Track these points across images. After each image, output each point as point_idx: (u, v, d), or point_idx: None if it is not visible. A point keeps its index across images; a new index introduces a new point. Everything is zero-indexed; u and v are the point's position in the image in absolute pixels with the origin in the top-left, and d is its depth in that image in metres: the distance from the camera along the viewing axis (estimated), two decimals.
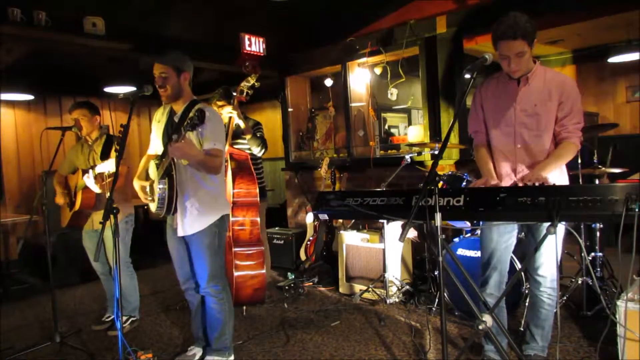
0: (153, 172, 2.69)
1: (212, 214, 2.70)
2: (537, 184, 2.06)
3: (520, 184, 2.25)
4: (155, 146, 2.83)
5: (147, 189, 2.72)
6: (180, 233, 2.66)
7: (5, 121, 5.87)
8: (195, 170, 2.62)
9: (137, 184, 2.76)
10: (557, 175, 2.34)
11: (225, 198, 2.89)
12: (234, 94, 3.79)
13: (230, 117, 3.80)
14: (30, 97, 5.90)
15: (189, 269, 2.81)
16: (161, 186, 2.57)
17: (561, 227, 2.32)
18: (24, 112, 6.07)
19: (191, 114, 2.40)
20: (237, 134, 3.93)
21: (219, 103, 3.85)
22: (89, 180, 3.31)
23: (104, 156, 3.37)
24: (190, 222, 2.64)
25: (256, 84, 3.77)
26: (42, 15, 3.83)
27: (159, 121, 2.80)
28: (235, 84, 3.93)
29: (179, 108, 2.69)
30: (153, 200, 2.67)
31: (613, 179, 3.49)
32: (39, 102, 6.18)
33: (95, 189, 3.33)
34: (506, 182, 2.43)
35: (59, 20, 3.95)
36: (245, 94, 3.75)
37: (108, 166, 3.23)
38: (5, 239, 5.80)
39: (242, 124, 3.86)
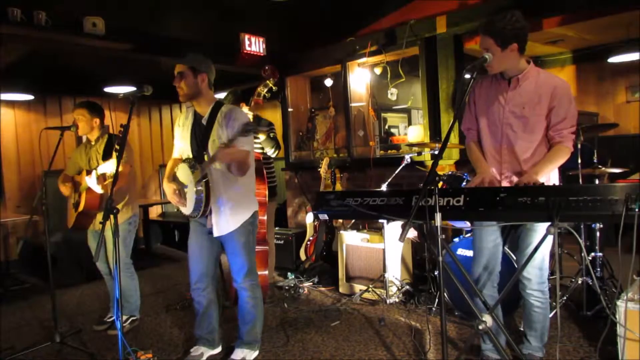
0: (184, 175, 2.70)
1: (244, 212, 2.78)
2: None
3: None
4: (180, 150, 2.86)
5: (178, 193, 2.74)
6: (216, 233, 2.71)
7: (5, 121, 5.87)
8: (225, 171, 2.68)
9: (169, 187, 2.77)
10: (547, 178, 2.33)
11: (254, 195, 2.94)
12: (254, 96, 3.87)
13: None
14: (30, 97, 5.90)
15: (207, 268, 2.85)
16: (199, 188, 2.61)
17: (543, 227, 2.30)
18: (24, 112, 6.07)
19: (227, 100, 2.45)
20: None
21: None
22: (90, 181, 3.30)
23: (106, 156, 3.36)
24: (225, 222, 2.71)
25: (274, 87, 3.86)
26: (42, 15, 3.83)
27: (183, 125, 2.83)
28: (235, 84, 3.96)
29: (204, 110, 2.74)
30: (183, 203, 2.71)
31: (613, 179, 3.50)
32: (39, 102, 6.18)
33: (98, 189, 3.32)
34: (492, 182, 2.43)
35: (59, 20, 3.94)
36: (262, 96, 3.84)
37: (110, 166, 3.21)
38: (5, 239, 5.80)
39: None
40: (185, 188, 2.70)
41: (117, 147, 2.47)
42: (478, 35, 2.34)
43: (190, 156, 2.74)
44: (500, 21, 2.19)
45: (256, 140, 4.15)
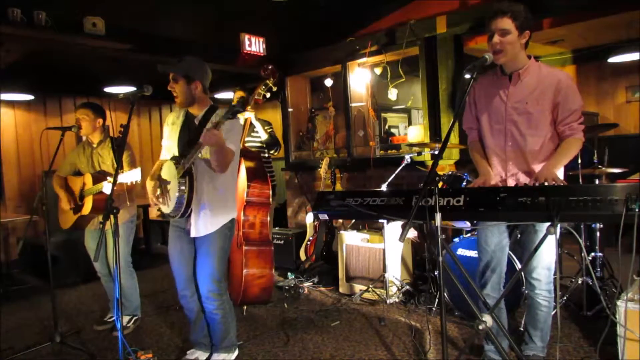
0: (169, 173, 2.66)
1: (223, 215, 2.71)
2: (548, 183, 2.01)
3: (531, 184, 2.21)
4: (168, 148, 2.82)
5: (159, 192, 2.69)
6: (193, 234, 2.65)
7: (5, 121, 5.87)
8: (211, 171, 2.62)
9: (150, 185, 2.72)
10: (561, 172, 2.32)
11: (235, 201, 2.87)
12: (254, 96, 3.91)
13: (247, 118, 3.97)
14: (30, 97, 5.89)
15: (191, 273, 2.78)
16: (182, 187, 2.55)
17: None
18: (24, 112, 6.07)
19: (234, 101, 2.40)
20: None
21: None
22: (107, 188, 3.23)
23: (120, 165, 3.33)
24: (203, 223, 2.65)
25: (273, 87, 3.89)
26: (42, 15, 3.83)
27: (173, 124, 2.80)
28: (235, 84, 3.98)
29: (198, 112, 2.71)
30: (164, 202, 2.66)
31: (613, 179, 3.50)
32: (39, 102, 6.17)
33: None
34: (496, 181, 2.41)
35: (59, 20, 3.94)
36: (262, 96, 3.88)
37: (128, 177, 3.10)
38: (5, 239, 5.80)
39: (258, 125, 4.02)
40: (169, 185, 2.64)
41: (115, 146, 2.45)
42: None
43: (177, 154, 2.69)
44: (517, 6, 2.19)
45: (257, 139, 4.21)
